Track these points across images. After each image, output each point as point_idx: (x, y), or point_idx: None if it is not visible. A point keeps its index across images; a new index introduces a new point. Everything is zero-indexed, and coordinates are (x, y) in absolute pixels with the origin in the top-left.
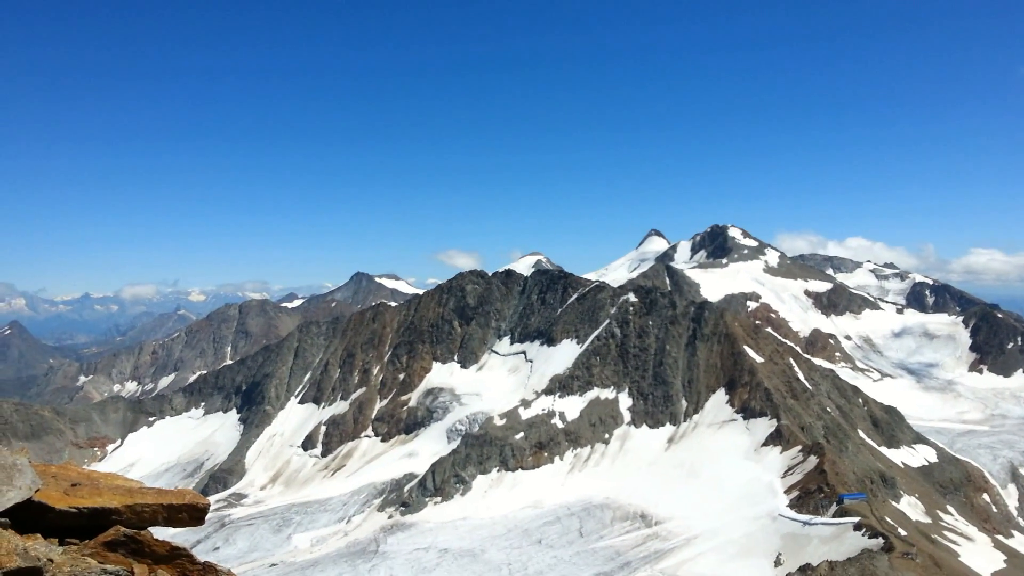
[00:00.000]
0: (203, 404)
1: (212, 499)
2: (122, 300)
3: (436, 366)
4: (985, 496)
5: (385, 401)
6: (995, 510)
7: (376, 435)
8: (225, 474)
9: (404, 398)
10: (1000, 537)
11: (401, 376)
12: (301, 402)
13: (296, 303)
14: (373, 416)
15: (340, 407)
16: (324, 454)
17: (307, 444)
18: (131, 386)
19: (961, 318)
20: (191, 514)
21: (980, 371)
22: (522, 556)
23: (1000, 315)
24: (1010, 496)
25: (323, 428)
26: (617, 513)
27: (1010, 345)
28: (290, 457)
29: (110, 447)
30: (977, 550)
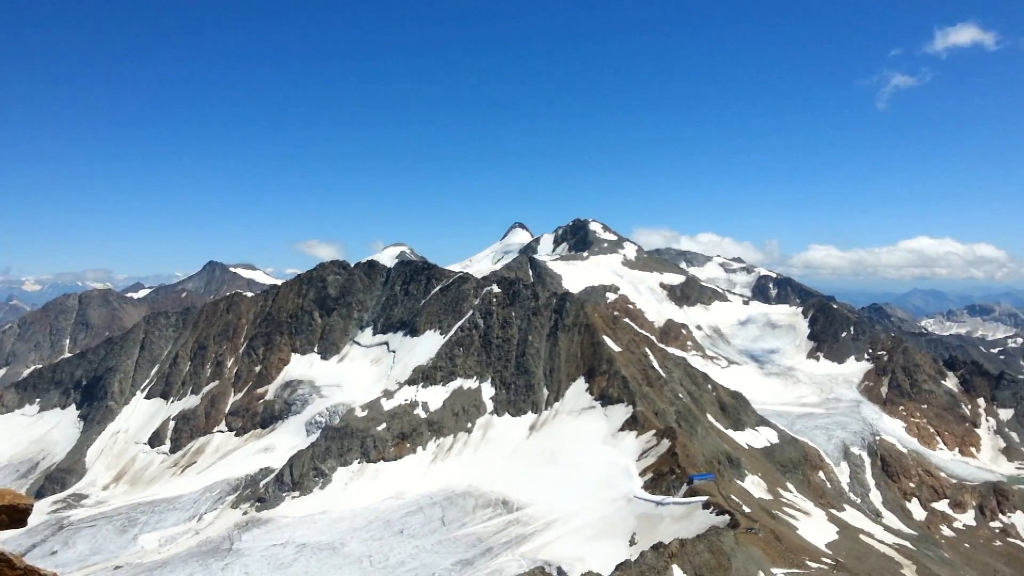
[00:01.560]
0: (38, 400)
1: (49, 500)
2: None
3: (295, 358)
4: (820, 473)
5: (240, 395)
6: (829, 486)
7: (230, 430)
8: (63, 474)
9: (260, 391)
10: (833, 511)
11: (257, 368)
12: (148, 397)
13: (143, 293)
14: (227, 410)
15: (191, 401)
16: (173, 451)
17: (154, 441)
18: None
19: (800, 309)
20: (11, 516)
21: (817, 358)
22: (383, 547)
23: (835, 306)
24: (842, 473)
25: (172, 424)
26: (479, 501)
27: (843, 334)
28: (136, 455)
29: None
30: (813, 524)
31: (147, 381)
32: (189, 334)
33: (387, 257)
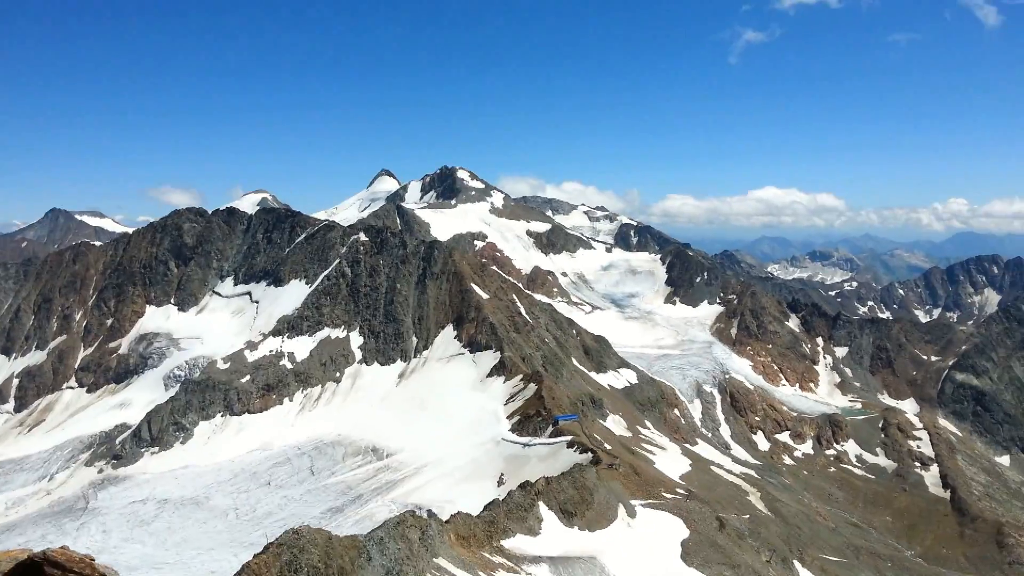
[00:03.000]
0: None
1: None
2: None
3: (150, 310)
4: (676, 411)
5: (91, 349)
6: (683, 422)
7: (81, 386)
8: None
9: (113, 345)
10: (687, 445)
11: (109, 321)
12: None
13: None
14: (77, 366)
15: (36, 357)
16: (18, 409)
17: None
18: None
19: (659, 256)
20: None
21: (674, 302)
22: (250, 499)
23: (691, 253)
24: (695, 410)
25: (16, 381)
26: (349, 449)
27: (698, 279)
28: None
29: None
30: (669, 457)
31: None
32: (32, 286)
33: (247, 204)
